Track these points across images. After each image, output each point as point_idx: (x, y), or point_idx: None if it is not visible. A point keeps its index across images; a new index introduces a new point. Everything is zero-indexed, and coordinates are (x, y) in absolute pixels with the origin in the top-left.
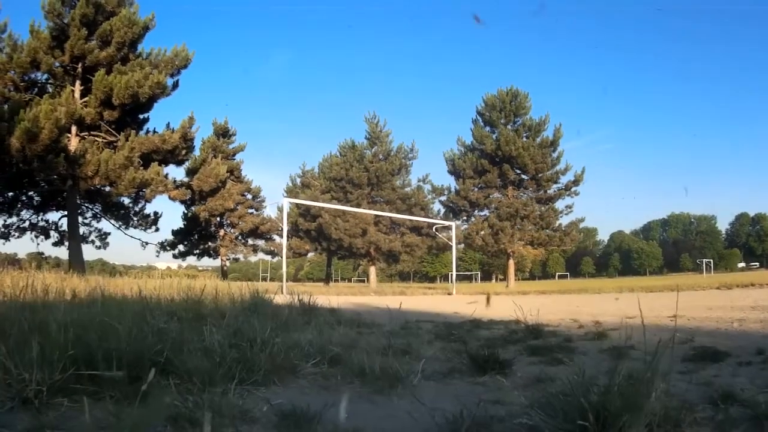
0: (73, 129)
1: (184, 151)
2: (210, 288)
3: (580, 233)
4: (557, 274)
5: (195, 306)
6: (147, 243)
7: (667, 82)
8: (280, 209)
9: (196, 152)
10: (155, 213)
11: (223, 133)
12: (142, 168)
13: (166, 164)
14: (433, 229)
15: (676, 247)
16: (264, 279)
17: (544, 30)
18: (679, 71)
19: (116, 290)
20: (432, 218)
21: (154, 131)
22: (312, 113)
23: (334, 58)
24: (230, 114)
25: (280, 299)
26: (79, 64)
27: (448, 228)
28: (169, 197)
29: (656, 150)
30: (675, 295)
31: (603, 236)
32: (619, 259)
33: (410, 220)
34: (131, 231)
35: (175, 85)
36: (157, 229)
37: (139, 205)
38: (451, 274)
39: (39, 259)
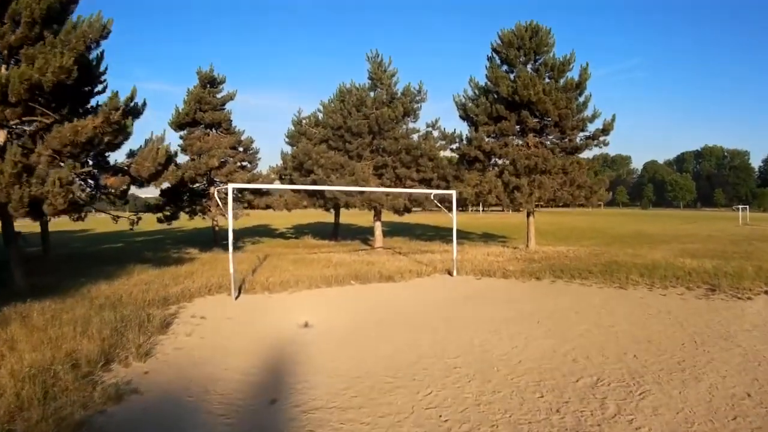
0: None
1: (107, 138)
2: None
3: (609, 191)
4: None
5: None
6: (118, 217)
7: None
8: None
9: (180, 105)
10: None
11: (210, 81)
12: (36, 182)
13: (91, 152)
14: (431, 197)
15: (710, 181)
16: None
17: None
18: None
19: None
20: (442, 170)
21: (93, 109)
22: (312, 57)
23: None
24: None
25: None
26: None
27: (451, 195)
28: (107, 185)
29: (691, 80)
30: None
31: (637, 164)
32: (653, 189)
33: (417, 171)
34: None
35: (100, 58)
36: (126, 202)
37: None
38: (454, 251)
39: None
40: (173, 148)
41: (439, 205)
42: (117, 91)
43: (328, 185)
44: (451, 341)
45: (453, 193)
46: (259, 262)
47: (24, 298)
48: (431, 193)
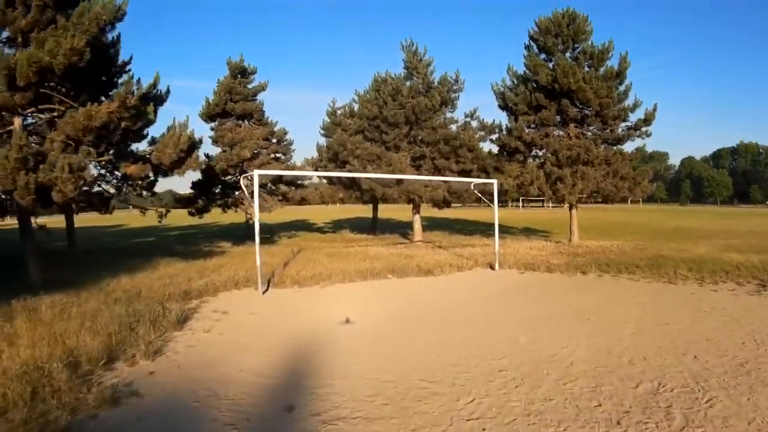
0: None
1: (124, 123)
2: None
3: (653, 183)
4: (629, 198)
5: None
6: (146, 209)
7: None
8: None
9: (210, 96)
10: (146, 177)
11: (241, 72)
12: (45, 168)
13: (112, 140)
14: (471, 186)
15: (746, 177)
16: (300, 225)
17: None
18: None
19: None
20: (482, 161)
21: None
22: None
23: None
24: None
25: None
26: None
27: (491, 184)
28: (128, 174)
29: (724, 76)
30: None
31: (674, 161)
32: (690, 185)
33: (456, 163)
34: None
35: (116, 41)
36: (153, 194)
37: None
38: (495, 244)
39: None
40: (205, 141)
41: (481, 195)
42: (139, 78)
43: (364, 177)
44: (495, 340)
45: (494, 182)
46: (292, 255)
47: (37, 292)
48: (471, 183)
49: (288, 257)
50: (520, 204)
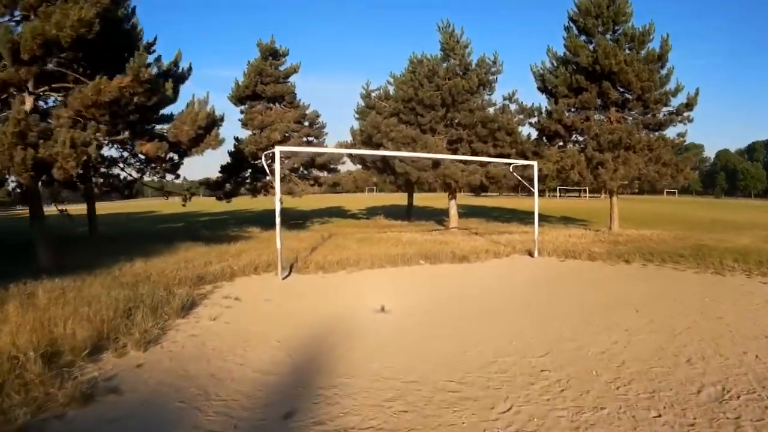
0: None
1: (137, 99)
2: None
3: (695, 170)
4: (665, 190)
5: None
6: (170, 193)
7: None
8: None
9: (240, 78)
10: (170, 159)
11: (272, 53)
12: (44, 141)
13: (127, 118)
14: (510, 169)
15: None
16: (334, 211)
17: None
18: None
19: None
20: (521, 145)
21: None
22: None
23: None
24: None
25: None
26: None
27: (533, 165)
28: (142, 153)
29: (758, 66)
30: None
31: (709, 153)
32: (725, 178)
33: (494, 146)
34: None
35: (131, 15)
36: (177, 177)
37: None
38: (535, 230)
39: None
40: (235, 124)
41: (520, 179)
42: (160, 55)
43: (398, 160)
44: (536, 334)
45: (534, 164)
46: (321, 240)
47: (41, 276)
48: (510, 165)
49: (317, 242)
50: (558, 193)
